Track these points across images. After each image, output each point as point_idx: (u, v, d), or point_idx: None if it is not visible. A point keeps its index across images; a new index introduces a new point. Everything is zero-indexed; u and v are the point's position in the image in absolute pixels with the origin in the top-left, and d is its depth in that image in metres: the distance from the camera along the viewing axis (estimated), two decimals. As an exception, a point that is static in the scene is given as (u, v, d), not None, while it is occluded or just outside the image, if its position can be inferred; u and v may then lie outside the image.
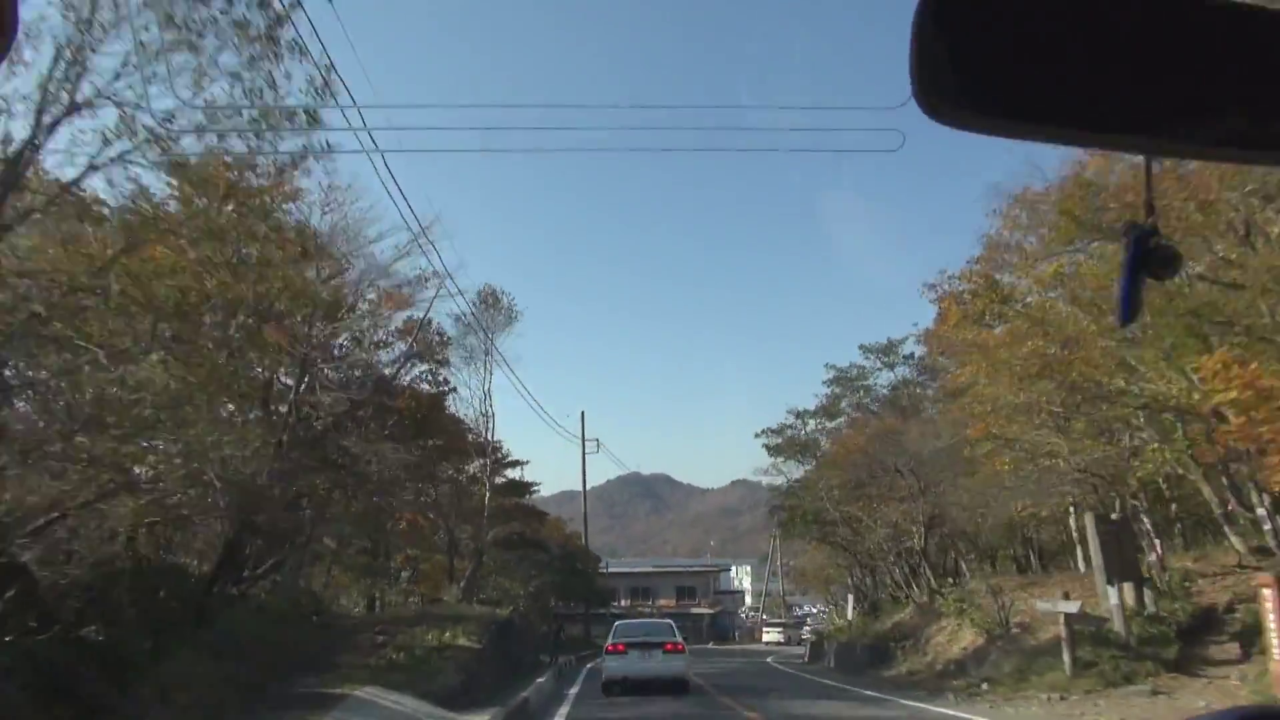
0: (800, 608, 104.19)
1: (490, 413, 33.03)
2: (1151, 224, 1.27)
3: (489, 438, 33.14)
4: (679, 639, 20.47)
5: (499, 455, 36.86)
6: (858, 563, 39.20)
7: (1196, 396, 16.04)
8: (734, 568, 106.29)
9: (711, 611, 76.27)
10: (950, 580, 32.65)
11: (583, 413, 55.81)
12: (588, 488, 51.14)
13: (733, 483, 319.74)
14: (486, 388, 33.14)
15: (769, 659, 43.55)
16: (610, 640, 20.40)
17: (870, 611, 37.68)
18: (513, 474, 39.26)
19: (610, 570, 67.65)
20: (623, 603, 70.68)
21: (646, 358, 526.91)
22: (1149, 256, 1.25)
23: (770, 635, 68.74)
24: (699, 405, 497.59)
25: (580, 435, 49.49)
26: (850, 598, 39.27)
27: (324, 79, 10.81)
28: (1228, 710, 1.62)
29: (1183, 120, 1.08)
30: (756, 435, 48.44)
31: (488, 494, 32.93)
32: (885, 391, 41.18)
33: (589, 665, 34.27)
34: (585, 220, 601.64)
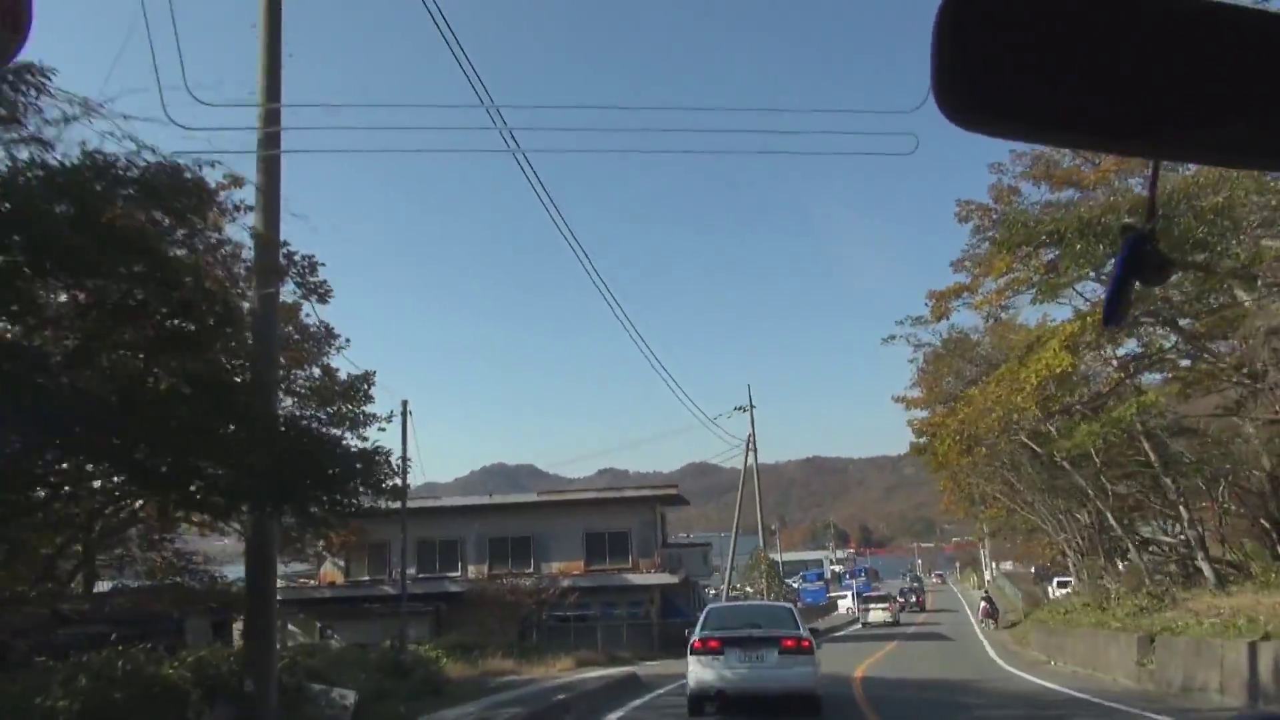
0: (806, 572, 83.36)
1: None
2: (1149, 228, 1.29)
3: None
4: (804, 632, 14.27)
5: None
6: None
7: None
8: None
9: (668, 581, 36.93)
10: None
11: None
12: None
13: (599, 471, 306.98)
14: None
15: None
16: (698, 633, 14.19)
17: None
18: None
19: (438, 497, 38.02)
20: (455, 572, 37.20)
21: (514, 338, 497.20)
22: (1142, 260, 1.26)
23: (876, 614, 52.21)
24: (566, 392, 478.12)
25: None
26: None
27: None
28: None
29: (1192, 124, 1.08)
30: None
31: None
32: None
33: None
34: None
